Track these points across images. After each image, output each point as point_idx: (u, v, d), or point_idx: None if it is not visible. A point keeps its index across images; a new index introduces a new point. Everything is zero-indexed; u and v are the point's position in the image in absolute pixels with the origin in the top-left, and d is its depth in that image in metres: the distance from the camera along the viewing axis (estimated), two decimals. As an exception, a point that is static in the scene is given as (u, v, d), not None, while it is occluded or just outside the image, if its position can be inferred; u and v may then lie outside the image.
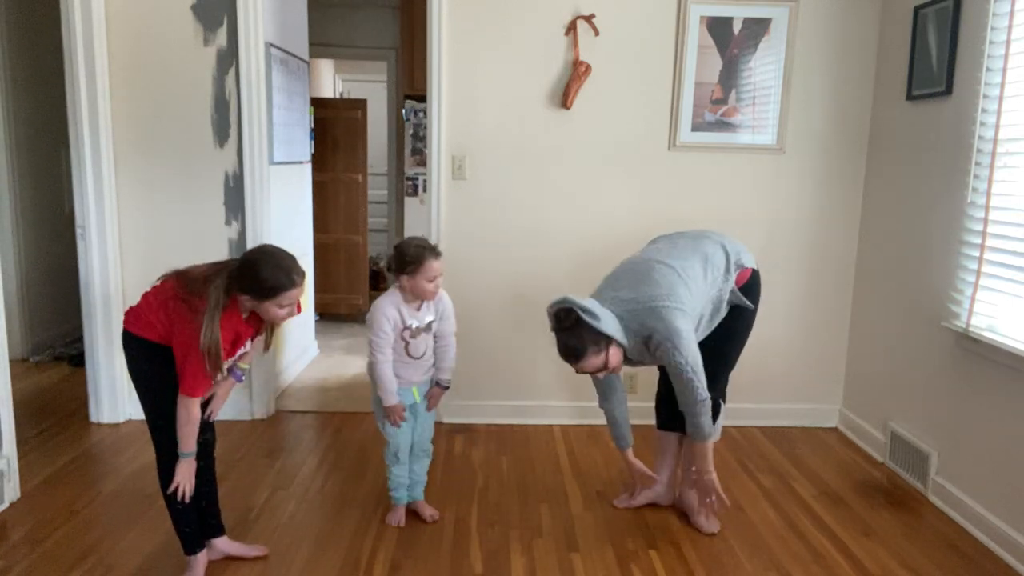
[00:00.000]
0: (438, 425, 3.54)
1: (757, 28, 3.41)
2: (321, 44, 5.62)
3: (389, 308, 2.47)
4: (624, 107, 3.46)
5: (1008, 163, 2.61)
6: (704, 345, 2.48)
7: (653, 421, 2.84)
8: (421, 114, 5.53)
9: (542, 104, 3.46)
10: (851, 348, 3.65)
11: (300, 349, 4.48)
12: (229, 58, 3.38)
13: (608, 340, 2.32)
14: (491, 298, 3.58)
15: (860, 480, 3.13)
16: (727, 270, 2.51)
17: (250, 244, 3.49)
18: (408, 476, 2.67)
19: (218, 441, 2.40)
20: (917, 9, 3.10)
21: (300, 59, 4.32)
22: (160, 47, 3.34)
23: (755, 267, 2.61)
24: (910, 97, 3.15)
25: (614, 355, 2.36)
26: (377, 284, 6.80)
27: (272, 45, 3.70)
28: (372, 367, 2.52)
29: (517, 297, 3.59)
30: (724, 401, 2.64)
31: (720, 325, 2.56)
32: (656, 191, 3.52)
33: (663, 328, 2.31)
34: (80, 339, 3.72)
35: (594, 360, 2.32)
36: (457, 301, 3.55)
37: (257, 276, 2.03)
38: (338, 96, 7.76)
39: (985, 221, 2.67)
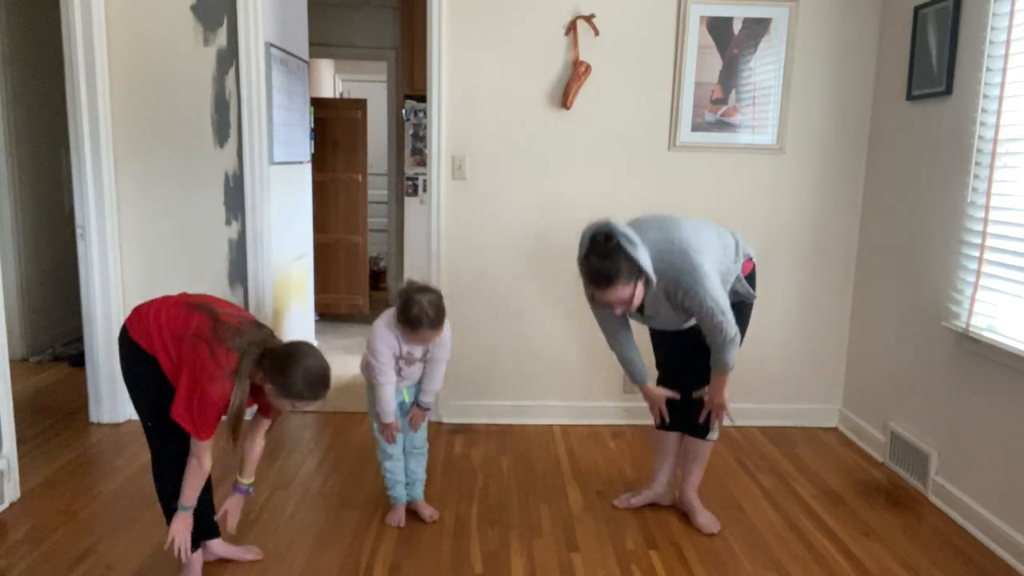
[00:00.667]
0: (438, 425, 3.54)
1: (757, 28, 3.41)
2: (321, 44, 5.62)
3: (388, 336, 2.46)
4: (624, 107, 3.46)
5: (1008, 163, 2.61)
6: (700, 344, 2.49)
7: (651, 421, 2.83)
8: (421, 114, 5.53)
9: (542, 104, 3.46)
10: (851, 348, 3.65)
11: (300, 349, 4.47)
12: (229, 58, 3.38)
13: (640, 274, 2.26)
14: (491, 298, 3.58)
15: (860, 480, 3.13)
16: (736, 252, 2.51)
17: (250, 244, 3.50)
18: (404, 474, 2.67)
19: (218, 441, 2.39)
20: (917, 9, 3.10)
21: (300, 59, 4.32)
22: (160, 47, 3.35)
23: (755, 261, 2.61)
24: (910, 97, 3.15)
25: (639, 292, 2.31)
26: (377, 284, 6.81)
27: (272, 45, 3.70)
28: (368, 370, 2.53)
29: (517, 297, 3.59)
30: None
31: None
32: (656, 191, 3.51)
33: (692, 270, 2.29)
34: (80, 339, 3.72)
35: (622, 291, 2.25)
36: (457, 301, 3.57)
37: (287, 375, 2.01)
38: (338, 96, 7.76)
39: (985, 221, 2.67)
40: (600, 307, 2.41)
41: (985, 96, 2.70)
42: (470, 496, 2.89)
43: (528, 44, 3.41)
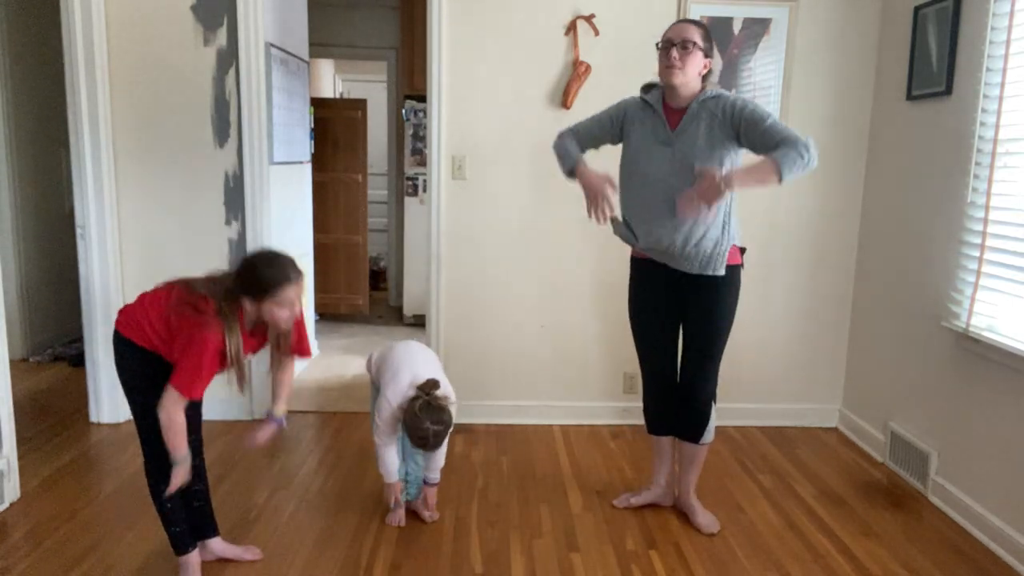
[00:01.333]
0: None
1: (757, 28, 3.41)
2: (321, 44, 5.62)
3: (394, 422, 2.49)
4: (624, 107, 3.46)
5: (1008, 163, 2.61)
6: (690, 348, 2.53)
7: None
8: (421, 114, 5.53)
9: (542, 104, 3.46)
10: (851, 348, 3.65)
11: (300, 349, 4.47)
12: (229, 58, 3.38)
13: (708, 60, 2.36)
14: (491, 297, 3.58)
15: (860, 480, 3.13)
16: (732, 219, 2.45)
17: (250, 244, 3.50)
18: (406, 474, 2.68)
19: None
20: (917, 9, 3.10)
21: (300, 59, 4.32)
22: (160, 47, 3.35)
23: (743, 257, 2.54)
24: (910, 97, 3.15)
25: (700, 64, 2.35)
26: (377, 284, 6.81)
27: (272, 45, 3.70)
28: (376, 367, 2.54)
29: (517, 297, 3.59)
30: (715, 401, 2.64)
31: (705, 321, 2.51)
32: (656, 191, 3.51)
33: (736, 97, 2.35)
34: (80, 339, 3.72)
35: (695, 34, 2.33)
36: (457, 301, 3.57)
37: (254, 274, 2.04)
38: (338, 96, 7.76)
39: (985, 221, 2.67)
40: (667, 42, 2.35)
41: (985, 96, 2.70)
42: (470, 496, 2.89)
43: (528, 44, 3.41)
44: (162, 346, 2.06)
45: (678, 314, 2.58)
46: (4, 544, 2.45)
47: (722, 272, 2.44)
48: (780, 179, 2.17)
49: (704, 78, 2.41)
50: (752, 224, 3.50)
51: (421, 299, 5.17)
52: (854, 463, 3.30)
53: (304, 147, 4.50)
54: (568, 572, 2.38)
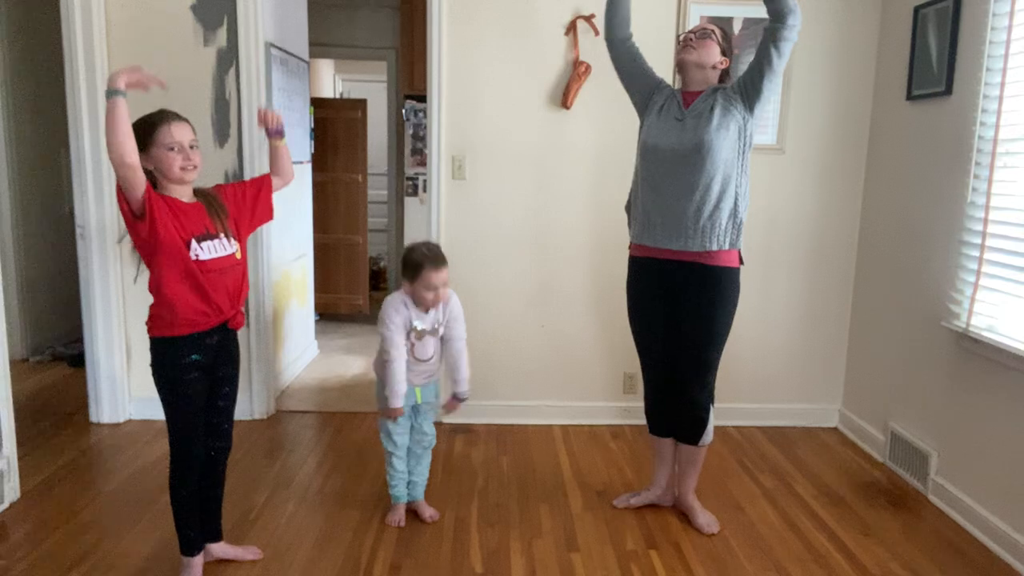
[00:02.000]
0: (438, 425, 3.53)
1: (757, 28, 3.40)
2: (321, 44, 5.63)
3: (398, 303, 2.49)
4: (624, 107, 3.43)
5: (1008, 163, 2.61)
6: (686, 351, 2.53)
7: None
8: (421, 114, 5.53)
9: (542, 104, 3.46)
10: (851, 348, 3.65)
11: (300, 349, 4.48)
12: (229, 58, 3.38)
13: (727, 52, 2.50)
14: (491, 298, 3.58)
15: (860, 480, 3.13)
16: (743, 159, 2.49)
17: (250, 244, 3.49)
18: (408, 474, 2.67)
19: (235, 456, 2.40)
20: (917, 9, 3.10)
21: (300, 59, 4.32)
22: (160, 47, 3.34)
23: (741, 259, 2.54)
24: (910, 97, 3.15)
25: (713, 52, 2.48)
26: (377, 284, 6.81)
27: (272, 45, 3.70)
28: (383, 365, 2.53)
29: (517, 296, 3.59)
30: (713, 402, 2.63)
31: (703, 321, 2.51)
32: (656, 191, 3.51)
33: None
34: (80, 339, 3.72)
35: (713, 43, 2.48)
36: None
37: (139, 132, 2.00)
38: (338, 96, 7.76)
39: (985, 221, 2.67)
40: (687, 32, 2.55)
41: (985, 96, 2.70)
42: (470, 496, 2.89)
43: (528, 44, 3.41)
44: (164, 259, 2.02)
45: (676, 316, 2.58)
46: (4, 544, 2.45)
47: (726, 246, 2.45)
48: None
49: (721, 77, 2.52)
50: (752, 224, 3.50)
51: (421, 299, 5.16)
52: (854, 463, 3.30)
53: (304, 147, 4.50)
54: (568, 572, 2.38)
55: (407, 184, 5.72)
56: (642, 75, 2.65)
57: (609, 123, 3.46)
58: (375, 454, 3.22)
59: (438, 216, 3.52)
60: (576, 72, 3.39)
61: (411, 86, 5.48)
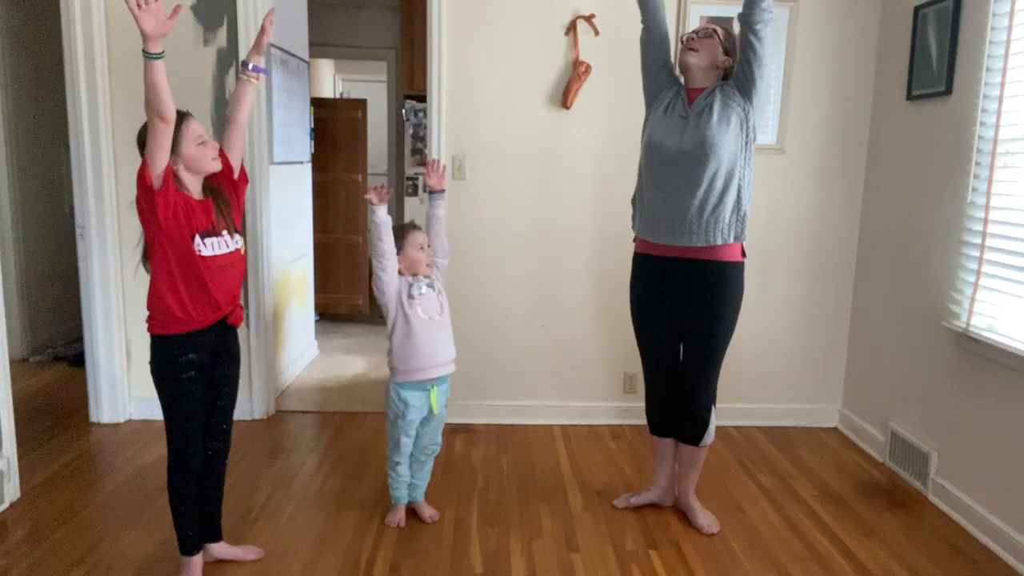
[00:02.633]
0: (438, 425, 3.54)
1: (757, 28, 3.40)
2: (321, 44, 5.63)
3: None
4: (624, 107, 3.46)
5: (1008, 163, 2.61)
6: (691, 349, 2.53)
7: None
8: (421, 114, 5.53)
9: (542, 104, 3.46)
10: (851, 348, 3.65)
11: (300, 349, 4.48)
12: (229, 58, 3.38)
13: (731, 51, 2.48)
14: (491, 297, 3.58)
15: (860, 480, 3.13)
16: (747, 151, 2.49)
17: (250, 244, 3.50)
18: (409, 477, 2.67)
19: (235, 455, 2.40)
20: (917, 9, 3.10)
21: (300, 59, 4.32)
22: (160, 47, 3.34)
23: (744, 252, 2.55)
24: (910, 97, 3.15)
25: (714, 47, 2.48)
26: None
27: (272, 45, 3.70)
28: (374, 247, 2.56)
29: (517, 296, 3.59)
30: (715, 403, 2.63)
31: (707, 318, 2.51)
32: (656, 191, 3.51)
33: None
34: (80, 339, 3.72)
35: (716, 43, 2.48)
36: (457, 300, 3.56)
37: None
38: (338, 96, 7.76)
39: (985, 221, 2.67)
40: (690, 32, 2.57)
41: (985, 96, 2.70)
42: (470, 496, 2.89)
43: (528, 44, 3.41)
44: (166, 246, 2.03)
45: (680, 316, 2.58)
46: (4, 544, 2.45)
47: (731, 240, 2.45)
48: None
49: (725, 76, 2.51)
50: (752, 224, 3.49)
51: (421, 299, 5.16)
52: (854, 463, 3.30)
53: (304, 147, 4.50)
54: (568, 572, 2.38)
55: (407, 184, 5.72)
56: (665, 67, 2.66)
57: (609, 123, 3.46)
58: (375, 454, 3.22)
59: (438, 216, 3.51)
60: (576, 72, 3.39)
61: (411, 86, 5.49)
